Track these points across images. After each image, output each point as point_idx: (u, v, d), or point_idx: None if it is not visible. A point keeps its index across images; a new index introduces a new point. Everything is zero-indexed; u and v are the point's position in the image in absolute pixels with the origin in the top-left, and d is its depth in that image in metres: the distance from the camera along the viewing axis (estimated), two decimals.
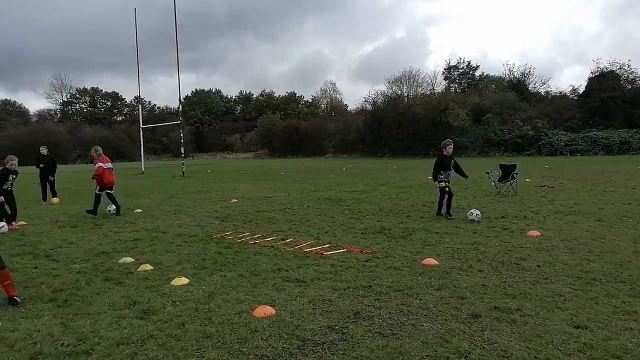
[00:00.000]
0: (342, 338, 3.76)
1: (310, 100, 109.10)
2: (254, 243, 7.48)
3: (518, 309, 4.27)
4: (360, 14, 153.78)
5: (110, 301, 4.74)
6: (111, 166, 11.43)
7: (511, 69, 67.70)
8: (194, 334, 3.87)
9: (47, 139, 70.82)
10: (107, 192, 11.22)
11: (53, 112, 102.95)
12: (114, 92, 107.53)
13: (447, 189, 9.46)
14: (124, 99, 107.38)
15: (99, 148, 11.42)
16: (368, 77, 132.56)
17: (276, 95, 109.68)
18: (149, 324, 4.11)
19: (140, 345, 3.67)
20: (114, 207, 11.19)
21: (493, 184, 13.57)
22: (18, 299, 4.74)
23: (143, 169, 31.59)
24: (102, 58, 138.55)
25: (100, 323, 4.14)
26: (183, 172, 27.26)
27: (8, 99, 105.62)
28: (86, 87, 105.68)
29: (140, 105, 34.36)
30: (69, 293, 5.02)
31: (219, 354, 3.48)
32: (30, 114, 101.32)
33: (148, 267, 6.04)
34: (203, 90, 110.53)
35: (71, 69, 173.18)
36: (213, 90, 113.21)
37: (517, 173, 13.20)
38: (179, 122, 28.52)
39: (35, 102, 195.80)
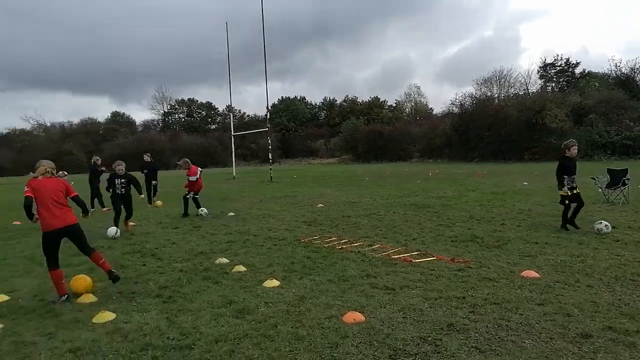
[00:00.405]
0: (435, 350, 3.62)
1: (394, 105, 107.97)
2: (340, 248, 7.51)
3: (638, 330, 3.83)
4: (444, 15, 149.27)
5: (208, 299, 5.01)
6: (194, 178, 12.70)
7: (617, 64, 61.36)
8: (286, 335, 3.95)
9: (151, 147, 77.42)
10: (194, 197, 12.55)
11: (156, 122, 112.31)
12: (208, 102, 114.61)
13: (575, 197, 8.35)
14: (217, 108, 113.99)
15: (188, 160, 12.87)
16: (454, 79, 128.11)
17: (359, 100, 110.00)
18: (244, 323, 4.28)
19: (237, 344, 3.82)
20: (205, 210, 12.25)
21: (600, 190, 12.39)
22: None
23: (234, 174, 33.27)
24: (197, 71, 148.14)
25: (200, 320, 4.39)
26: (271, 177, 28.24)
27: (118, 111, 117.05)
28: (184, 98, 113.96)
29: (231, 114, 36.32)
30: (173, 290, 5.39)
31: (310, 357, 3.53)
32: (136, 124, 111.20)
33: (242, 268, 6.30)
34: (289, 98, 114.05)
35: (171, 82, 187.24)
36: (298, 98, 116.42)
37: (628, 179, 11.93)
38: (267, 129, 29.54)
39: (140, 114, 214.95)
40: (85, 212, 6.01)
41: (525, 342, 3.73)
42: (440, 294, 4.98)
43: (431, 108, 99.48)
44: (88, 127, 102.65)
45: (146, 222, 11.39)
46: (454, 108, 64.38)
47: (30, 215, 5.24)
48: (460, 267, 6.06)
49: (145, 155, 16.35)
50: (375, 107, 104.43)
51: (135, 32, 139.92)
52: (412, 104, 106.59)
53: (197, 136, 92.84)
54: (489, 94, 61.30)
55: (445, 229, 9.05)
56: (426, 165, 49.43)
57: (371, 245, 7.68)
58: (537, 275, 5.56)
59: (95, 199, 14.72)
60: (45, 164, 5.48)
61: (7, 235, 9.86)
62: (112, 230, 9.22)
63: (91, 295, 5.15)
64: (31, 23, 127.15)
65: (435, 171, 35.07)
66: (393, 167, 46.95)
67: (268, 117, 32.03)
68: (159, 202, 15.39)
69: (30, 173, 5.75)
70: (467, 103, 60.57)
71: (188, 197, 12.45)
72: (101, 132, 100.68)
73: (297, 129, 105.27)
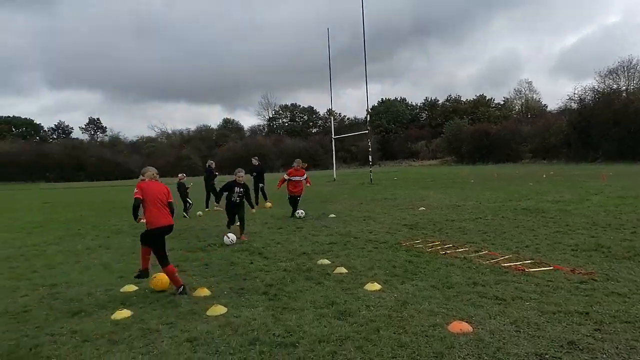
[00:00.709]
0: None
1: (502, 103, 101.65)
2: (444, 253, 7.22)
3: None
4: (558, 3, 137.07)
5: (311, 299, 5.11)
6: (299, 178, 12.85)
7: None
8: (389, 341, 3.88)
9: (257, 151, 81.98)
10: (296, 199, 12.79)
11: (261, 127, 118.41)
12: (309, 106, 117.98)
13: None
14: (318, 112, 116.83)
15: (298, 160, 13.36)
16: (571, 72, 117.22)
17: (463, 99, 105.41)
18: (346, 325, 4.29)
19: (339, 345, 3.84)
20: (302, 212, 12.54)
21: None
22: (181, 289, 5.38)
23: (335, 176, 33.79)
24: (300, 77, 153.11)
25: (304, 319, 4.49)
26: (371, 179, 28.18)
27: (228, 117, 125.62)
28: (287, 103, 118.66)
29: (332, 118, 36.82)
30: (278, 288, 5.59)
31: None
32: (244, 129, 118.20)
33: (343, 270, 6.34)
34: (388, 100, 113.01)
35: (276, 89, 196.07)
36: (398, 99, 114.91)
37: None
38: (367, 131, 29.55)
39: (247, 119, 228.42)
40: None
41: None
42: (558, 307, 4.55)
43: (545, 105, 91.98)
44: (203, 134, 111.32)
45: (253, 222, 11.99)
46: (572, 103, 58.71)
47: (135, 216, 5.81)
48: (582, 279, 5.48)
49: (253, 159, 17.25)
50: (481, 106, 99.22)
51: (244, 46, 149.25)
52: (523, 100, 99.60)
53: (299, 140, 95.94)
54: (614, 86, 54.92)
55: (564, 236, 8.26)
56: (539, 167, 45.77)
57: (478, 252, 7.27)
58: None
59: (211, 199, 15.72)
60: (152, 170, 6.18)
61: (136, 231, 10.98)
62: (230, 238, 8.73)
63: (206, 289, 5.53)
64: (157, 42, 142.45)
65: (551, 173, 32.32)
66: (501, 169, 44.19)
67: (368, 119, 31.94)
68: (268, 204, 16.12)
69: (140, 176, 6.44)
70: (588, 97, 54.93)
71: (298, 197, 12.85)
72: (214, 137, 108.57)
73: (397, 131, 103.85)
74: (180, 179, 14.77)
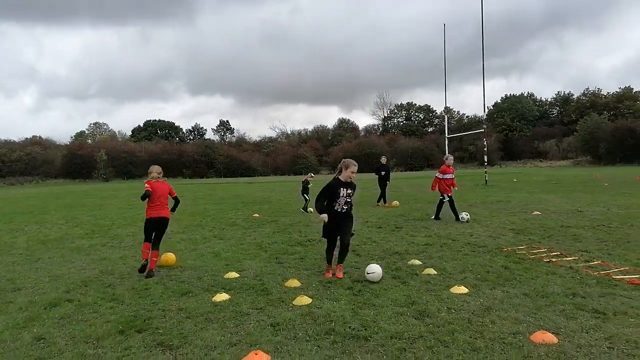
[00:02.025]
0: None
1: None
2: (548, 261, 6.74)
3: None
4: None
5: (393, 297, 5.20)
6: (450, 176, 11.81)
7: None
8: (462, 344, 3.84)
9: (370, 150, 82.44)
10: (448, 200, 11.72)
11: (376, 126, 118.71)
12: (426, 105, 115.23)
13: None
14: (435, 110, 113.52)
15: (450, 156, 12.20)
16: None
17: (604, 93, 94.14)
18: (422, 325, 4.32)
19: (411, 343, 3.90)
20: (466, 215, 11.29)
21: None
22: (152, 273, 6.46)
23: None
24: (417, 75, 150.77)
25: (381, 315, 4.61)
26: (486, 180, 26.76)
27: (344, 117, 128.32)
28: (403, 102, 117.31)
29: (446, 116, 35.59)
30: (363, 284, 5.76)
31: None
32: (359, 129, 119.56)
33: (432, 271, 6.29)
34: (514, 95, 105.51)
35: (392, 88, 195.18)
36: (525, 94, 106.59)
37: None
38: (483, 129, 28.09)
39: (363, 119, 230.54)
40: (174, 210, 7.26)
41: None
42: None
43: None
44: (319, 133, 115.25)
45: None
46: None
47: (144, 198, 6.74)
48: None
49: (382, 158, 17.49)
50: (626, 99, 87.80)
51: (361, 48, 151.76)
52: None
53: (414, 139, 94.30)
54: None
55: None
56: None
57: (588, 262, 6.66)
58: None
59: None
60: (155, 170, 7.03)
61: (248, 224, 12.00)
62: (377, 272, 5.87)
63: (296, 280, 5.93)
64: (282, 49, 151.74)
65: None
66: None
67: (485, 118, 30.30)
68: (395, 202, 16.33)
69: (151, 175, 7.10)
70: None
71: (444, 200, 11.79)
72: (329, 137, 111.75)
73: (523, 129, 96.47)
74: (307, 178, 15.96)
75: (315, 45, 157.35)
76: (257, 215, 14.33)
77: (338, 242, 6.39)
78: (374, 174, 17.10)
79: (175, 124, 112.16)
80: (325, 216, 6.10)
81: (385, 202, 16.22)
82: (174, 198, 7.17)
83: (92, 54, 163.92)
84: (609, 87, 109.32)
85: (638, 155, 57.78)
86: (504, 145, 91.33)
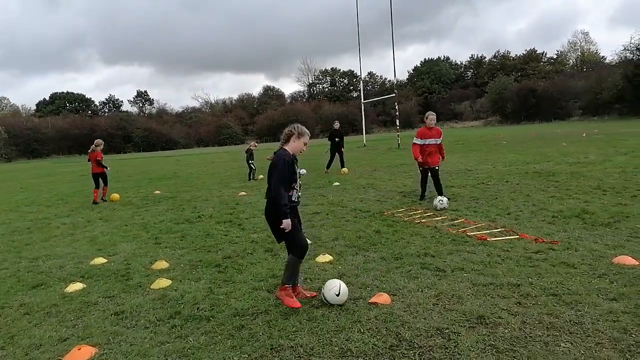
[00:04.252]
0: (444, 345, 3.25)
1: (555, 57, 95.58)
2: (419, 222, 7.09)
3: None
4: None
5: (256, 272, 5.20)
6: (434, 141, 8.78)
7: None
8: (301, 314, 3.91)
9: (296, 117, 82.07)
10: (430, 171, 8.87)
11: (302, 93, 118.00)
12: (350, 70, 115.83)
13: None
14: (358, 75, 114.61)
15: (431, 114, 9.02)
16: (632, 21, 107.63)
17: (512, 55, 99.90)
18: (272, 298, 4.35)
19: (252, 320, 3.91)
20: (444, 200, 8.08)
21: None
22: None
23: (364, 142, 33.44)
24: (341, 41, 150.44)
25: (236, 292, 4.60)
26: (398, 144, 27.70)
27: (270, 85, 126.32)
28: (327, 68, 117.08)
29: (361, 82, 36.10)
30: (233, 260, 5.72)
31: (309, 340, 3.45)
32: (285, 96, 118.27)
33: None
34: (432, 60, 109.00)
35: (317, 54, 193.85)
36: (442, 58, 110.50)
37: None
38: (394, 95, 28.82)
39: (289, 86, 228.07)
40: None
41: (560, 346, 3.11)
42: (495, 279, 4.41)
43: (602, 57, 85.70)
44: (244, 102, 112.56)
45: (257, 191, 12.18)
46: (628, 54, 54.41)
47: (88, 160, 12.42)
48: (541, 249, 5.26)
49: (335, 123, 16.52)
50: (531, 61, 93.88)
51: (285, 14, 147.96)
52: (578, 53, 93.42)
53: (339, 105, 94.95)
54: None
55: (555, 201, 7.88)
56: (587, 125, 43.27)
57: (454, 220, 7.09)
58: (634, 262, 4.54)
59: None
60: (96, 143, 12.36)
61: (143, 203, 11.48)
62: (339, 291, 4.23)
63: (164, 262, 5.76)
64: (204, 15, 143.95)
65: (595, 131, 30.55)
66: (544, 128, 42.11)
67: (396, 83, 31.05)
68: (344, 170, 15.72)
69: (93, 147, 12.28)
70: None
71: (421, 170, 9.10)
72: (255, 105, 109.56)
73: (441, 91, 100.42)
74: (251, 147, 15.99)
75: (237, 7, 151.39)
76: (158, 192, 13.79)
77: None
78: (327, 139, 16.53)
79: (87, 96, 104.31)
80: (289, 222, 4.00)
81: (343, 166, 15.90)
82: (97, 161, 12.19)
83: None
84: (517, 49, 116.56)
85: (539, 113, 62.50)
86: (424, 107, 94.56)
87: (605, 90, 53.96)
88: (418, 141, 8.88)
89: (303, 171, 15.70)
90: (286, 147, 4.18)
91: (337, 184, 12.54)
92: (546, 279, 4.32)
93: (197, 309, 4.23)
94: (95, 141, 12.37)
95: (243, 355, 3.28)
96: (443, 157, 9.07)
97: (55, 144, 73.90)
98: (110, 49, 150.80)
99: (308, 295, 4.31)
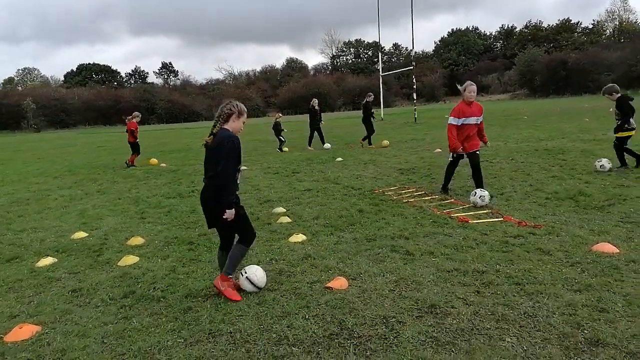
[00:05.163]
0: (384, 335, 3.10)
1: (591, 27, 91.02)
2: (406, 202, 6.88)
3: None
4: None
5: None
6: (475, 120, 6.96)
7: None
8: (252, 297, 3.83)
9: (318, 90, 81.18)
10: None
11: (325, 65, 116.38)
12: (374, 41, 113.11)
13: None
14: (384, 47, 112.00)
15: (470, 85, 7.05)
16: None
17: (545, 25, 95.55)
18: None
19: (203, 302, 3.84)
20: (485, 195, 6.32)
21: None
22: None
23: (382, 115, 32.84)
24: (366, 12, 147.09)
25: (197, 272, 4.52)
26: (415, 118, 27.08)
27: (293, 57, 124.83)
28: (351, 40, 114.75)
29: (379, 53, 35.18)
30: (207, 238, 5.65)
31: (250, 326, 3.36)
32: (308, 68, 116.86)
33: (287, 219, 6.28)
34: (459, 30, 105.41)
35: (343, 25, 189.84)
36: (470, 29, 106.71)
37: None
38: (412, 67, 28.00)
39: (313, 58, 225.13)
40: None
41: (504, 340, 2.93)
42: (461, 265, 4.21)
43: None
44: (268, 74, 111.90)
45: (259, 165, 12.10)
46: None
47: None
48: (521, 233, 5.00)
49: (370, 95, 16.82)
50: (564, 31, 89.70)
51: None
52: (616, 22, 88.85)
53: (362, 77, 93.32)
54: None
55: (553, 181, 7.52)
56: None
57: (443, 200, 6.85)
58: (614, 250, 4.26)
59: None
60: (134, 114, 14.20)
61: (144, 176, 11.54)
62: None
63: (140, 237, 5.75)
64: None
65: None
66: (572, 103, 40.46)
67: (414, 54, 30.11)
68: (327, 145, 15.85)
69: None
70: None
71: (451, 158, 7.26)
72: (278, 78, 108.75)
73: (468, 64, 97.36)
74: (276, 119, 16.22)
75: None
76: (164, 164, 13.88)
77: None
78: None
79: (112, 68, 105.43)
80: (232, 212, 3.72)
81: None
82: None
83: None
84: (550, 19, 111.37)
85: (568, 86, 59.93)
86: (449, 80, 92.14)
87: None
88: (454, 121, 6.85)
89: (328, 145, 15.55)
90: (226, 127, 3.81)
91: (340, 159, 12.34)
92: (515, 266, 4.10)
93: (153, 288, 4.19)
94: (133, 113, 14.40)
95: (179, 340, 3.22)
96: (485, 142, 7.23)
97: (81, 115, 75.23)
98: (136, 21, 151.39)
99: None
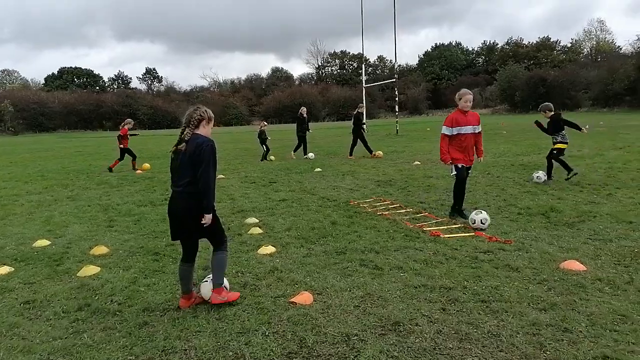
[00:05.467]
0: (344, 355, 3.00)
1: (569, 45, 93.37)
2: (380, 214, 6.82)
3: None
4: None
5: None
6: (471, 130, 6.40)
7: None
8: (213, 313, 3.70)
9: (302, 100, 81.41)
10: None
11: (311, 75, 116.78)
12: (359, 53, 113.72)
13: None
14: (369, 59, 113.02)
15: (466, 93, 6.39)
16: None
17: (525, 42, 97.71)
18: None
19: (160, 316, 3.70)
20: (485, 218, 5.82)
21: None
22: None
23: (365, 127, 32.90)
24: (352, 24, 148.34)
25: (159, 284, 4.37)
26: (397, 130, 27.23)
27: (279, 66, 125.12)
28: (337, 51, 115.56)
29: (363, 65, 35.33)
30: (173, 249, 5.49)
31: (206, 343, 3.22)
32: (294, 78, 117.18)
33: (258, 230, 6.16)
34: (443, 45, 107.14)
35: (329, 36, 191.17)
36: (454, 44, 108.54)
37: None
38: (394, 80, 28.24)
39: (299, 67, 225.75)
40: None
41: None
42: (429, 281, 4.14)
43: (618, 46, 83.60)
44: (253, 83, 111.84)
45: (237, 174, 11.95)
46: None
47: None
48: (491, 248, 4.97)
49: (361, 106, 17.43)
50: (544, 49, 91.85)
51: None
52: (593, 42, 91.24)
53: (347, 89, 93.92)
54: None
55: (527, 197, 7.56)
56: (595, 116, 42.24)
57: (417, 214, 6.81)
58: (581, 267, 4.25)
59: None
60: (127, 121, 14.14)
61: (119, 182, 11.26)
62: None
63: (104, 247, 5.56)
64: None
65: (600, 123, 29.75)
66: None
67: (397, 67, 30.41)
68: (310, 154, 16.02)
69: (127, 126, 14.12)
70: None
71: (453, 173, 6.50)
72: (263, 86, 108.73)
73: (450, 78, 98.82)
74: (261, 127, 16.01)
75: None
76: (140, 171, 13.61)
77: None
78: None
79: (95, 72, 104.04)
80: (210, 217, 3.72)
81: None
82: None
83: None
84: (531, 36, 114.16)
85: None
86: (433, 94, 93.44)
87: (617, 81, 52.54)
88: (447, 130, 6.26)
89: (311, 155, 15.57)
90: (198, 133, 3.72)
91: (319, 169, 12.26)
92: (482, 283, 4.05)
93: (110, 301, 4.03)
94: (125, 119, 14.54)
95: (129, 357, 3.07)
96: (480, 156, 6.69)
97: (61, 119, 73.95)
98: (122, 26, 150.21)
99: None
